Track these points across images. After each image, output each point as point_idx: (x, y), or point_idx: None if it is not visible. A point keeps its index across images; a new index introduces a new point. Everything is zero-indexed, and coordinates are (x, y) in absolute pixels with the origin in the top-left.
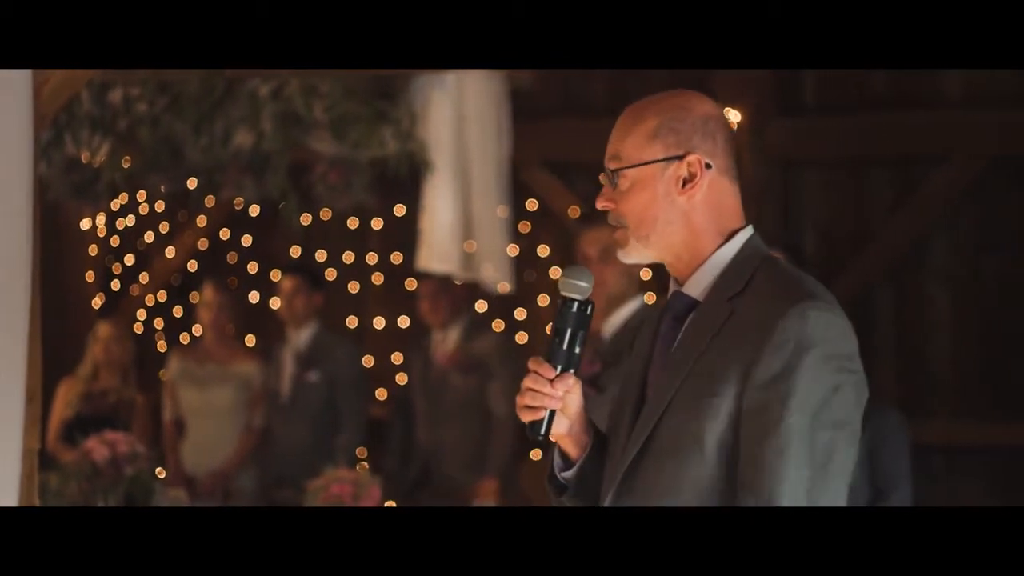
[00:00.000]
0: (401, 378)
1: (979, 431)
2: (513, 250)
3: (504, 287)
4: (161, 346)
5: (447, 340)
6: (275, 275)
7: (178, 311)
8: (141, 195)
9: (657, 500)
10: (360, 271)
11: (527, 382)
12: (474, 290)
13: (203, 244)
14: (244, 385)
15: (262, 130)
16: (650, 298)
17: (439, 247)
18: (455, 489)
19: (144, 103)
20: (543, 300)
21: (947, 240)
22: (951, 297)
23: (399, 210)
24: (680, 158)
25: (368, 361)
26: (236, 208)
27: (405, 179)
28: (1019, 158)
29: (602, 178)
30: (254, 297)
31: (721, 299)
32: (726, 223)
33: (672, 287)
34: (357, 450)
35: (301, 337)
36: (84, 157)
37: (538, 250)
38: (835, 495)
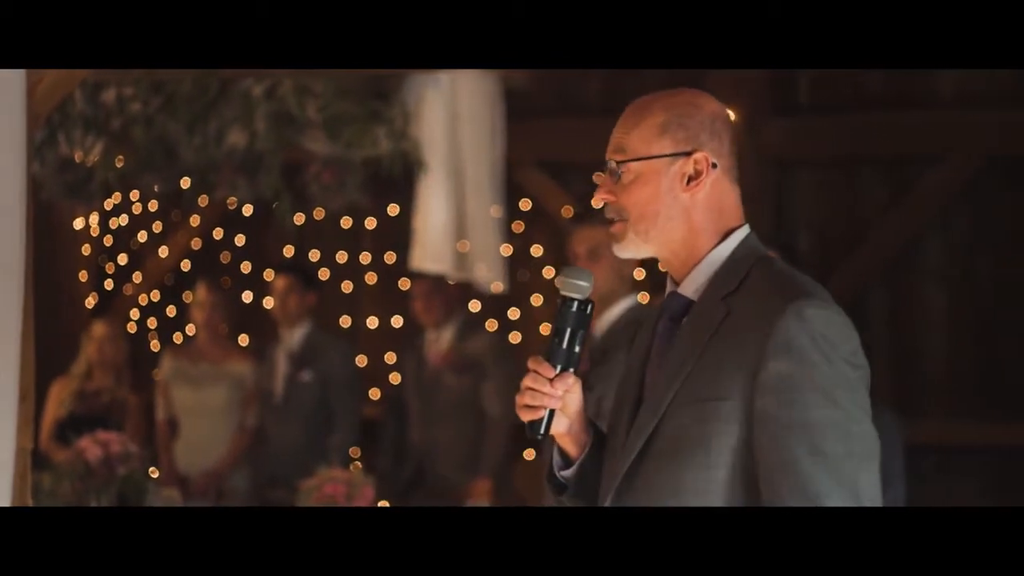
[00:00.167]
0: (395, 378)
1: (973, 431)
2: (507, 250)
3: (498, 287)
4: (154, 345)
5: (441, 340)
6: (268, 275)
7: (171, 310)
8: (134, 195)
9: (657, 501)
10: (353, 271)
11: (527, 381)
12: (468, 290)
13: (196, 244)
14: (237, 385)
15: (255, 130)
16: (644, 297)
17: (433, 247)
18: (449, 489)
19: (137, 103)
20: (537, 300)
21: (941, 240)
22: (945, 297)
23: (392, 210)
24: (687, 154)
25: (361, 361)
26: (229, 208)
27: (399, 179)
28: (1013, 158)
29: (597, 177)
30: (247, 297)
31: (716, 298)
32: (725, 223)
33: (669, 287)
34: (350, 450)
35: (294, 337)
36: (77, 157)
37: (532, 250)
38: (874, 484)
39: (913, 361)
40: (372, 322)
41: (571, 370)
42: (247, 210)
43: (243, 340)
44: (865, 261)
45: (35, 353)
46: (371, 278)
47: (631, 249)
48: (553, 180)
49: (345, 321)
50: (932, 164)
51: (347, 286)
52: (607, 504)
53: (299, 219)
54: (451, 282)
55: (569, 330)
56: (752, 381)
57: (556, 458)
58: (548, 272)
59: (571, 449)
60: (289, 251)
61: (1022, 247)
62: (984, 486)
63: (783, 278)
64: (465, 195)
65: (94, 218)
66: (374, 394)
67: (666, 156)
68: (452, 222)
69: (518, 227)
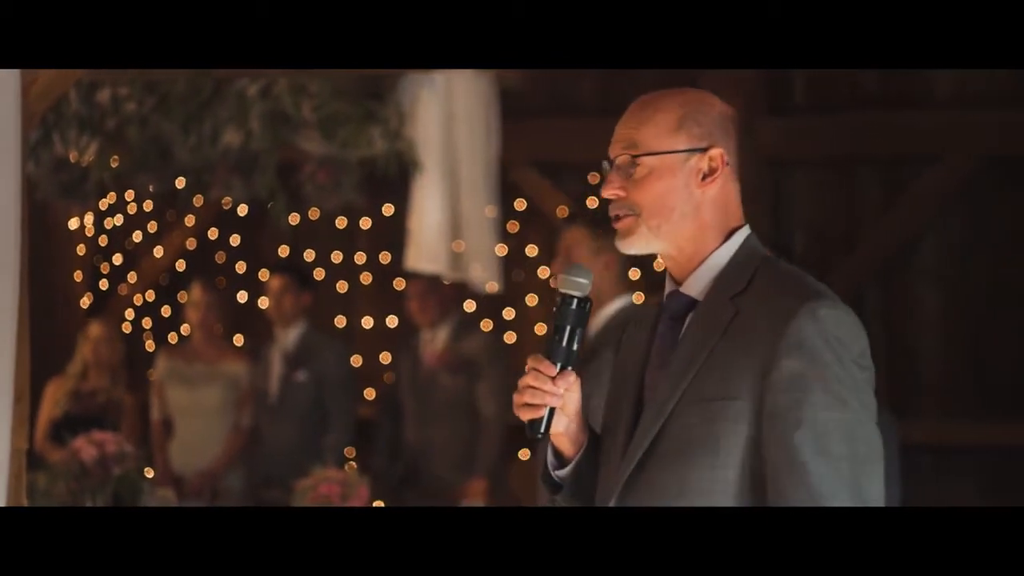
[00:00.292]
0: (389, 378)
1: (968, 431)
2: (502, 250)
3: (492, 287)
4: (149, 346)
5: (435, 340)
6: (263, 275)
7: (166, 311)
8: (129, 195)
9: (664, 501)
10: (348, 271)
11: (528, 380)
12: (462, 290)
13: (191, 244)
14: (232, 385)
15: (250, 129)
16: (639, 298)
17: (427, 247)
18: (443, 489)
19: (132, 103)
20: (531, 300)
21: (937, 240)
22: (941, 297)
23: (387, 210)
24: (703, 151)
25: (356, 361)
26: (224, 208)
27: (394, 179)
28: (1010, 158)
29: (607, 176)
30: (242, 297)
31: (723, 298)
32: (729, 222)
33: (668, 287)
34: (345, 450)
35: (289, 337)
36: (72, 157)
37: (526, 250)
38: (878, 487)
39: (909, 361)
40: (367, 322)
41: (570, 368)
42: (242, 210)
43: (238, 340)
44: (861, 261)
45: (30, 353)
46: (366, 278)
47: (640, 245)
48: (548, 180)
49: (340, 321)
50: (928, 164)
51: (342, 286)
52: (611, 504)
53: (294, 219)
54: (446, 282)
55: (569, 327)
56: (762, 380)
57: (550, 457)
58: (543, 272)
59: (568, 448)
60: (284, 251)
61: (1018, 247)
62: (980, 486)
63: (792, 279)
64: (460, 195)
65: (89, 218)
66: (369, 394)
67: (682, 152)
68: (447, 222)
69: (513, 227)
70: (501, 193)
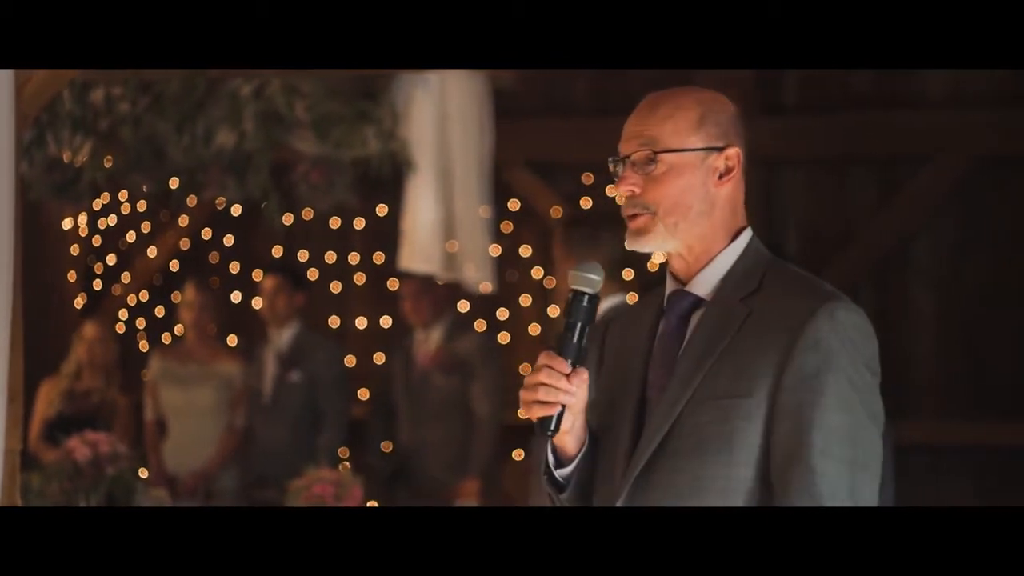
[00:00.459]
0: (383, 378)
1: (963, 431)
2: (495, 250)
3: (486, 287)
4: (143, 346)
5: (429, 340)
6: (257, 275)
7: (160, 311)
8: (123, 195)
9: (676, 499)
10: (342, 271)
11: (541, 377)
12: (456, 290)
13: (185, 244)
14: (226, 385)
15: (244, 130)
16: (632, 298)
17: (421, 247)
18: (437, 489)
19: (126, 103)
20: (525, 300)
21: (931, 240)
22: (935, 297)
23: (381, 210)
24: (720, 150)
25: (350, 361)
26: (218, 208)
27: (387, 179)
28: (1003, 158)
29: (624, 170)
30: (236, 297)
31: (733, 298)
32: (736, 222)
33: (671, 286)
34: (339, 450)
35: (283, 337)
36: (66, 157)
37: (520, 250)
38: (871, 492)
39: (903, 361)
40: (361, 322)
41: (578, 365)
42: (235, 210)
43: (232, 340)
44: (854, 261)
45: (24, 354)
46: (360, 278)
47: (655, 243)
48: (541, 180)
49: (334, 321)
50: (921, 164)
51: (336, 286)
52: (619, 503)
53: (288, 219)
54: (440, 282)
55: (580, 324)
56: (776, 379)
57: (550, 457)
58: (537, 272)
59: (571, 447)
60: (278, 251)
61: (1011, 247)
62: (976, 486)
63: (805, 281)
64: (454, 195)
65: (82, 218)
66: (363, 394)
67: (701, 150)
68: (441, 222)
69: (507, 227)
70: (495, 193)
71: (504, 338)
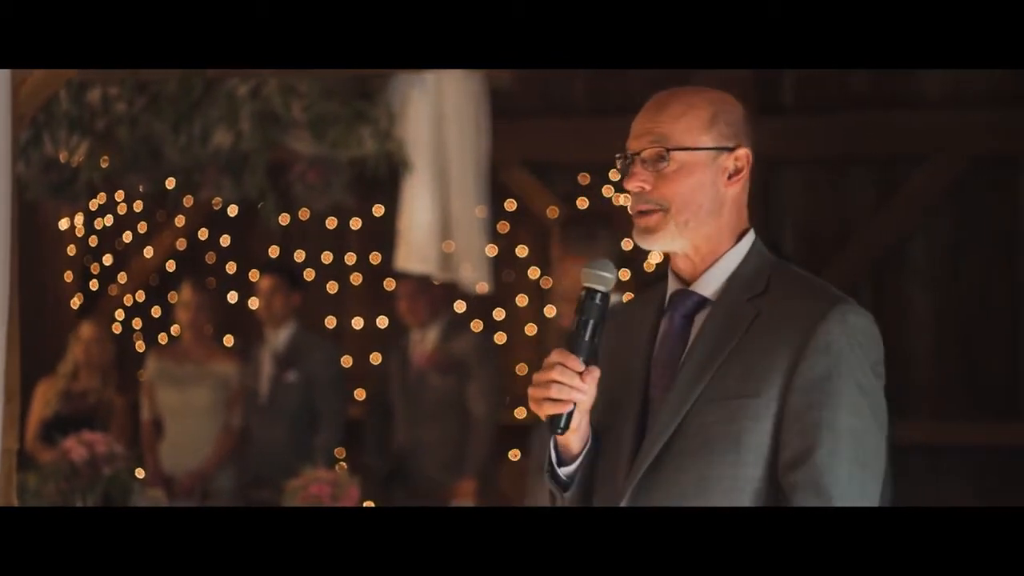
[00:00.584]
0: (380, 378)
1: (961, 431)
2: (492, 250)
3: (483, 287)
4: (139, 346)
5: (425, 340)
6: (253, 275)
7: (156, 311)
8: (119, 195)
9: (680, 499)
10: (339, 271)
11: (554, 375)
12: (452, 290)
13: (181, 244)
14: (222, 385)
15: (240, 130)
16: (627, 297)
17: (418, 247)
18: (433, 489)
19: (122, 103)
20: (521, 300)
21: (928, 240)
22: (932, 297)
23: (378, 210)
24: (730, 150)
25: (347, 361)
26: (214, 208)
27: (384, 179)
28: (1000, 158)
29: (634, 167)
30: (232, 297)
31: (740, 299)
32: (741, 223)
33: (673, 285)
34: (335, 450)
35: (279, 337)
36: (62, 157)
37: (517, 250)
38: (876, 494)
39: (900, 361)
40: (357, 322)
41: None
42: (232, 210)
43: (228, 340)
44: (851, 261)
45: (20, 354)
46: (356, 278)
47: (664, 241)
48: (538, 180)
49: (330, 321)
50: (919, 164)
51: (332, 286)
52: (624, 503)
53: (284, 219)
54: (436, 282)
55: (592, 322)
56: (786, 380)
57: (552, 455)
58: (533, 272)
59: (575, 446)
60: (274, 251)
61: (1008, 247)
62: (973, 486)
63: (812, 283)
64: (450, 195)
65: (79, 218)
66: (359, 394)
67: (713, 149)
68: (437, 222)
69: (503, 227)
70: (491, 193)
71: (500, 338)
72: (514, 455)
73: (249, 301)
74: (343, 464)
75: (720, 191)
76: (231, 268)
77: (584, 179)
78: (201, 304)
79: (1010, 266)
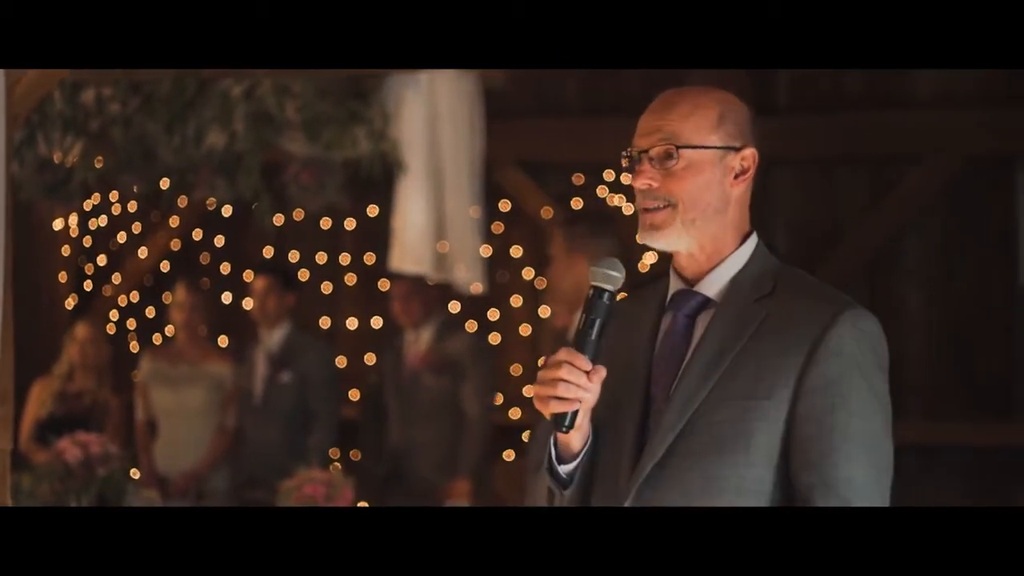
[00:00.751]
0: (374, 379)
1: (954, 431)
2: (486, 251)
3: (477, 288)
4: (134, 347)
5: (419, 340)
6: (248, 275)
7: (151, 312)
8: (113, 195)
9: (685, 499)
10: (333, 271)
11: (561, 373)
12: (447, 291)
13: (175, 244)
14: (216, 386)
15: (234, 130)
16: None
17: (412, 248)
18: (428, 490)
19: (116, 103)
20: (516, 301)
21: (921, 240)
22: (925, 297)
23: (372, 211)
24: (737, 149)
25: (341, 362)
26: (209, 208)
27: (378, 179)
28: (993, 158)
29: (641, 164)
30: (227, 298)
31: (747, 300)
32: (744, 223)
33: (675, 285)
34: (330, 451)
35: (273, 338)
36: (56, 157)
37: (511, 251)
38: (887, 495)
39: (894, 361)
40: (351, 323)
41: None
42: (226, 211)
43: (222, 341)
44: (845, 261)
45: (14, 354)
46: (350, 279)
47: (671, 239)
48: (532, 180)
49: (324, 322)
50: (912, 164)
51: (327, 287)
52: (628, 503)
53: (278, 220)
54: (430, 283)
55: (599, 321)
56: (797, 383)
57: (552, 452)
58: (527, 273)
59: (577, 444)
60: (268, 252)
61: (1001, 247)
62: (967, 486)
63: (818, 286)
64: (444, 196)
65: (73, 219)
66: (353, 395)
67: (720, 148)
68: (431, 223)
69: (497, 228)
70: (485, 194)
71: (495, 339)
72: (508, 455)
73: (243, 302)
74: (337, 464)
75: (726, 190)
76: (225, 269)
77: (578, 179)
78: (195, 304)
79: (1004, 266)
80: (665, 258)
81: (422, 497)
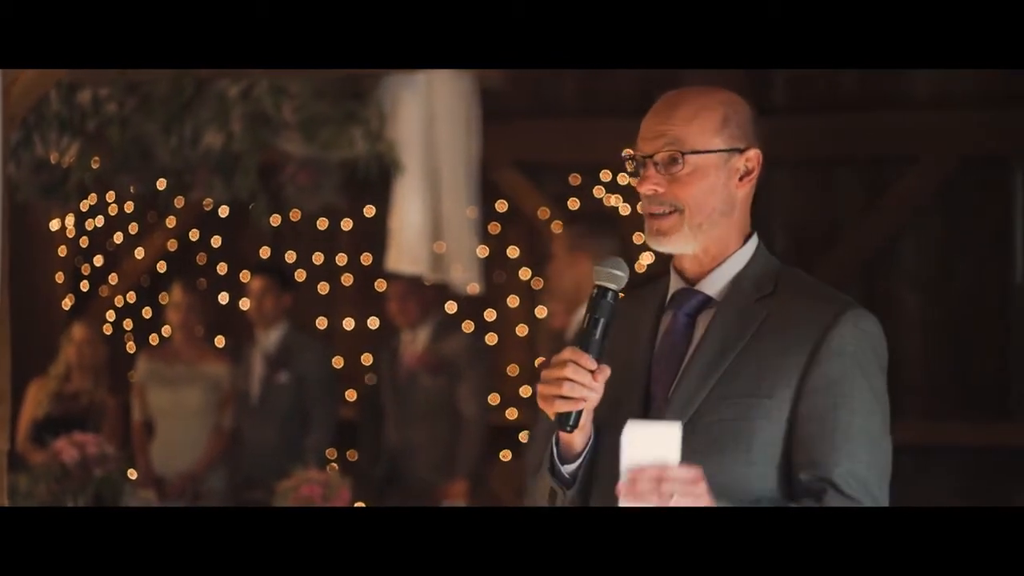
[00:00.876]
0: (371, 379)
1: (951, 431)
2: (483, 251)
3: (473, 288)
4: (130, 347)
5: (416, 341)
6: (244, 276)
7: (147, 312)
8: (110, 196)
9: None
10: (329, 272)
11: (567, 372)
12: (443, 291)
13: (172, 245)
14: (213, 386)
15: (231, 131)
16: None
17: (408, 248)
18: (425, 490)
19: (113, 103)
20: (512, 301)
21: (917, 241)
22: (922, 297)
23: (368, 211)
24: (741, 151)
25: (338, 362)
26: (205, 209)
27: (375, 180)
28: (988, 159)
29: (646, 169)
30: (223, 298)
31: (748, 300)
32: (746, 224)
33: (676, 284)
34: (327, 451)
35: (270, 338)
36: (53, 158)
37: (507, 251)
38: (887, 493)
39: (890, 362)
40: (348, 323)
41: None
42: (223, 211)
43: (219, 341)
44: (840, 262)
45: (11, 355)
46: (347, 279)
47: (678, 244)
48: (529, 181)
49: (321, 322)
50: (908, 165)
51: (323, 287)
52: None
53: (275, 220)
54: (427, 283)
55: (603, 321)
56: (799, 382)
57: (554, 452)
58: (524, 273)
59: (579, 443)
60: (265, 252)
61: (998, 248)
62: (963, 486)
63: (819, 286)
64: (441, 196)
65: (70, 219)
66: (350, 395)
67: (725, 151)
68: (428, 223)
69: (494, 228)
70: (482, 194)
71: (491, 339)
72: (505, 456)
73: (240, 302)
74: (334, 465)
75: (732, 192)
76: (222, 269)
77: (575, 180)
78: (192, 305)
79: (1000, 266)
80: (663, 258)
81: (419, 497)
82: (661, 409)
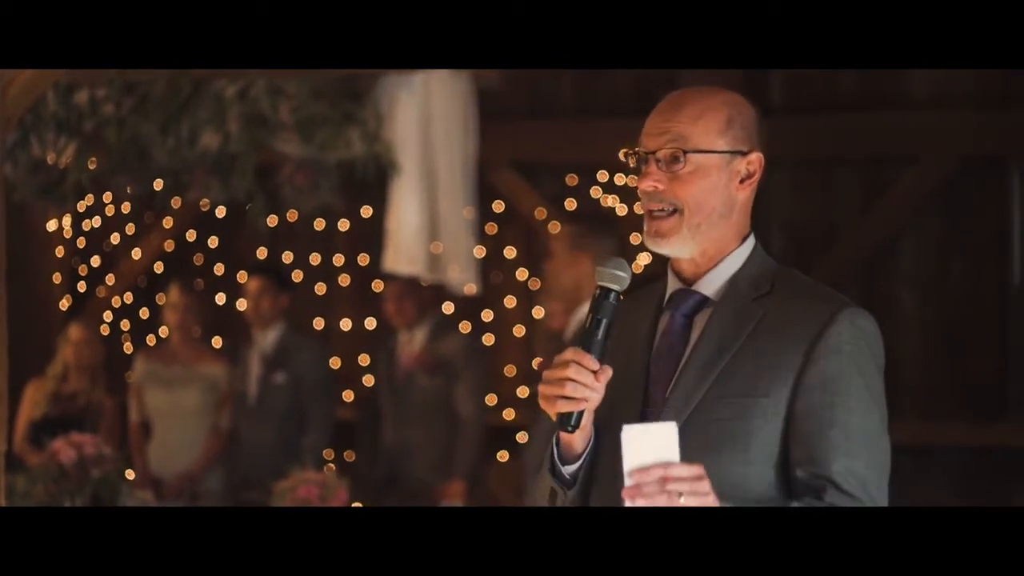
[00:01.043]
0: (368, 379)
1: (948, 432)
2: (480, 251)
3: (471, 288)
4: (127, 348)
5: (413, 341)
6: (241, 276)
7: (144, 313)
8: (107, 196)
9: None
10: (327, 272)
11: (569, 372)
12: (440, 292)
13: (169, 245)
14: (211, 387)
15: (228, 131)
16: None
17: (406, 248)
18: (422, 490)
19: (110, 104)
20: (510, 301)
21: (916, 241)
22: (920, 298)
23: (366, 211)
24: (744, 154)
25: (335, 363)
26: (202, 209)
27: (372, 181)
28: (988, 158)
29: (648, 166)
30: (220, 298)
31: (745, 300)
32: (746, 226)
33: (673, 284)
34: (324, 451)
35: (268, 338)
36: (50, 158)
37: (505, 251)
38: (885, 492)
39: (888, 362)
40: (345, 324)
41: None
42: (220, 212)
43: (216, 342)
44: (839, 262)
45: (8, 356)
46: (344, 280)
47: (677, 245)
48: (526, 181)
49: (318, 323)
50: (906, 165)
51: (320, 288)
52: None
53: (272, 221)
54: (424, 284)
55: (606, 321)
56: (795, 381)
57: (555, 452)
58: (521, 274)
59: (579, 444)
60: (262, 253)
61: (996, 248)
62: (961, 486)
63: (815, 286)
64: (438, 197)
65: (67, 220)
66: (348, 396)
67: (728, 152)
68: (425, 224)
69: (491, 229)
70: (479, 194)
71: (489, 339)
72: (502, 456)
73: (237, 302)
74: (331, 465)
75: (732, 194)
76: (219, 270)
77: (572, 180)
78: (189, 305)
79: (998, 267)
80: (660, 260)
81: (417, 498)
82: (659, 409)
